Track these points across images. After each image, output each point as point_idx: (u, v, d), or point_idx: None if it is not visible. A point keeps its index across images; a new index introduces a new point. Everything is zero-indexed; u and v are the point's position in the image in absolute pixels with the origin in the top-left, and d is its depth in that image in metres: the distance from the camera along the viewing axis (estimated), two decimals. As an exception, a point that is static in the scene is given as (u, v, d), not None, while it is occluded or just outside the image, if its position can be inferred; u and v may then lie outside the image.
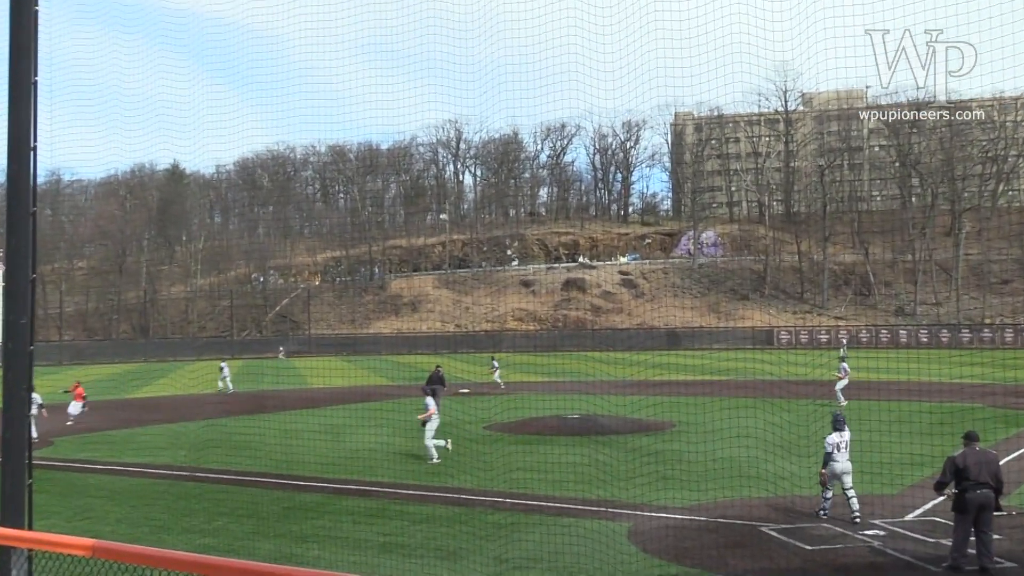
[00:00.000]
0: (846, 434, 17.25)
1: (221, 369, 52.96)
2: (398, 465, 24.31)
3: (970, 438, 13.58)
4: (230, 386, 51.87)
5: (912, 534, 15.82)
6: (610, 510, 18.08)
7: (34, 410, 24.64)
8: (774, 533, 16.10)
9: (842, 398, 37.22)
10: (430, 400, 25.54)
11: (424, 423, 25.48)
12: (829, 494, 17.14)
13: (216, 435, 30.77)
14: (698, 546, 15.58)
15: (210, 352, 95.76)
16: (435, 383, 40.20)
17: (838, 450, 16.97)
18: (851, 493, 17.00)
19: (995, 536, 13.75)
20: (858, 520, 16.69)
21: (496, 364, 53.70)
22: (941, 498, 15.79)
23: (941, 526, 16.06)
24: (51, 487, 21.34)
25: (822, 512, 17.08)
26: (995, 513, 13.61)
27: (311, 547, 15.86)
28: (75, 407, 36.84)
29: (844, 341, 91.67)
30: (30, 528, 6.62)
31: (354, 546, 15.94)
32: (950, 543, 14.03)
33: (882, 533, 15.89)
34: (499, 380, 51.86)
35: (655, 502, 18.75)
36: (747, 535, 16.06)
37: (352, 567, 14.44)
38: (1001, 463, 14.47)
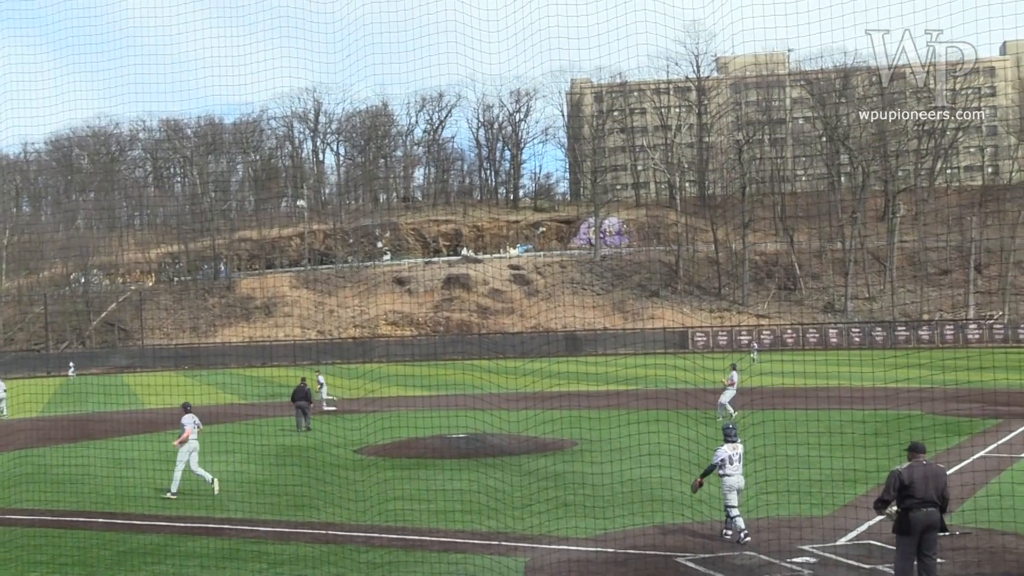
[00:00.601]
0: (739, 446, 18.18)
1: None
2: (254, 498, 24.03)
3: (916, 450, 13.99)
4: (3, 410, 52.11)
5: (846, 560, 16.29)
6: (503, 543, 18.22)
7: None
8: (691, 564, 16.40)
9: (731, 409, 37.63)
10: (188, 419, 24.87)
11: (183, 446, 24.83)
12: (735, 512, 17.67)
13: (31, 468, 29.96)
14: (606, 582, 15.79)
15: (20, 369, 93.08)
16: (300, 399, 40.10)
17: (730, 463, 17.75)
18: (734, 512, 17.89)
19: (939, 560, 14.25)
20: (728, 537, 17.68)
21: (322, 380, 50.02)
22: (879, 519, 16.29)
23: (878, 550, 16.58)
24: None
25: (743, 536, 17.49)
26: (939, 533, 14.10)
27: (151, 599, 15.62)
28: None
29: (755, 345, 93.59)
30: None
31: (203, 596, 15.77)
32: (889, 569, 14.51)
33: (812, 560, 16.32)
34: (330, 398, 49.96)
35: (555, 533, 18.93)
36: (661, 567, 16.32)
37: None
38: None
